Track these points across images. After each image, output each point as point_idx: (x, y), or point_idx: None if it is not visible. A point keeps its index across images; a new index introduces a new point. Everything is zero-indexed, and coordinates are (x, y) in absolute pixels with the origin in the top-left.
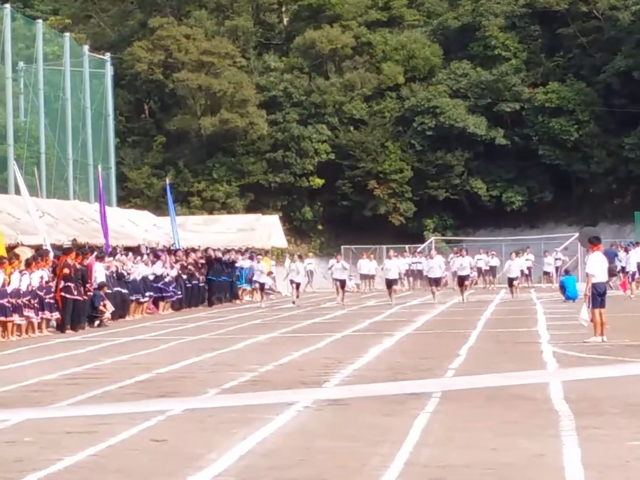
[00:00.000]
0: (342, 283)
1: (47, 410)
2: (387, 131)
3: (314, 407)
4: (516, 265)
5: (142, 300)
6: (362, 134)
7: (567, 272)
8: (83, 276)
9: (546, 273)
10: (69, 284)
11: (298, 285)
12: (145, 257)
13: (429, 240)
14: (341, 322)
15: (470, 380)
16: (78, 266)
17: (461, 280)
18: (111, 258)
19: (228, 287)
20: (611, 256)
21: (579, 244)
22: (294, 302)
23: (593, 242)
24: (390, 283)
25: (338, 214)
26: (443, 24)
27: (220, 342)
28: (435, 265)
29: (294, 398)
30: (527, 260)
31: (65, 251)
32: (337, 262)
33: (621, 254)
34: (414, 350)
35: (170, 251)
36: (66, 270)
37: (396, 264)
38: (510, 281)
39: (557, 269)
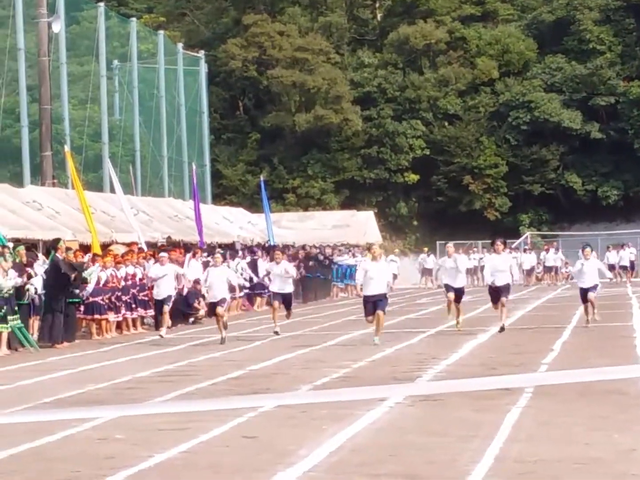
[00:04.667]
0: (285, 298)
1: (140, 407)
2: (481, 126)
3: (406, 402)
4: (592, 268)
5: (236, 296)
6: (457, 129)
7: None
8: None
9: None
10: None
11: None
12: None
13: (525, 235)
14: (435, 318)
15: (562, 375)
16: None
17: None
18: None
19: (323, 283)
20: None
21: None
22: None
23: None
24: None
25: (433, 209)
26: (537, 18)
27: (314, 339)
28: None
29: (386, 394)
30: (631, 253)
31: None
32: (277, 264)
33: None
34: (507, 345)
35: (265, 248)
36: None
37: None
38: (584, 293)
39: (632, 263)
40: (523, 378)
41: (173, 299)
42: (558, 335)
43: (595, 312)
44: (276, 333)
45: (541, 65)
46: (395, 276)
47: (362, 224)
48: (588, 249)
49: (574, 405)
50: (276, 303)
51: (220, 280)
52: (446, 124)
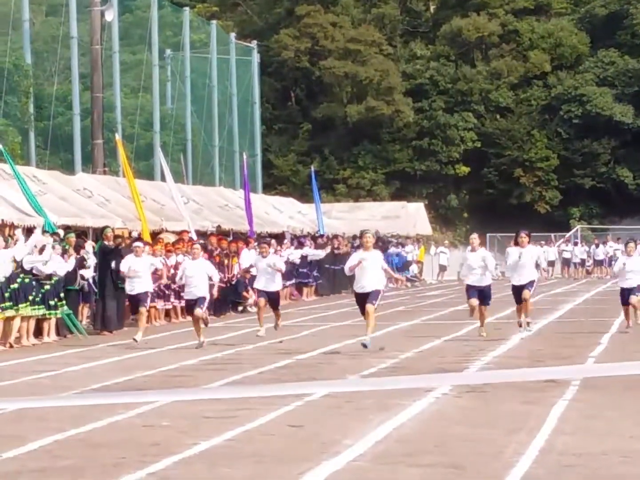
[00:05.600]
0: (270, 297)
1: (186, 394)
2: (533, 119)
3: (452, 394)
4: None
5: (286, 285)
6: (508, 122)
7: None
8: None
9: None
10: None
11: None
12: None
13: (575, 229)
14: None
15: (609, 367)
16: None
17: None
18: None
19: None
20: None
21: None
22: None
23: None
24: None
25: (483, 202)
26: (590, 11)
27: (362, 329)
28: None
29: (432, 384)
30: None
31: (206, 237)
32: (263, 255)
33: None
34: (555, 338)
35: (315, 237)
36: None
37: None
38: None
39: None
40: (569, 370)
41: (150, 296)
42: (606, 329)
43: (638, 315)
44: (258, 337)
45: (594, 59)
46: (444, 268)
47: (412, 215)
48: (632, 245)
49: (620, 398)
50: (262, 301)
51: (198, 275)
52: (498, 116)
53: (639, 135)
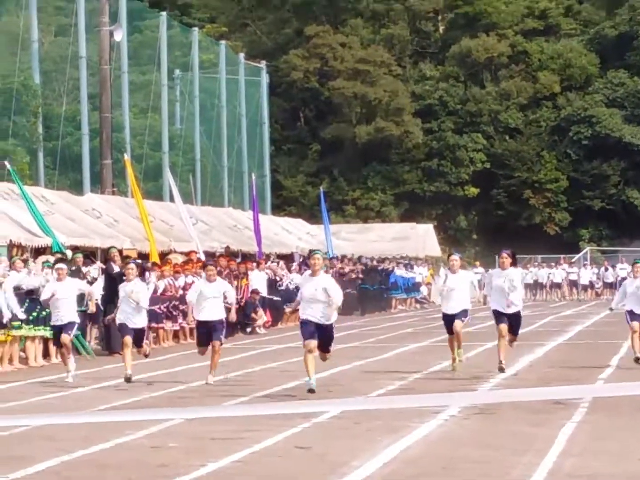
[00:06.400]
0: (210, 328)
1: (192, 413)
2: (542, 140)
3: (460, 415)
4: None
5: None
6: (518, 143)
7: None
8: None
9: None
10: None
11: None
12: (296, 265)
13: (584, 251)
14: (492, 332)
15: (618, 387)
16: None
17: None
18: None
19: (381, 295)
20: None
21: None
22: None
23: None
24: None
25: (493, 223)
26: (600, 32)
27: (371, 351)
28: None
29: (442, 404)
30: None
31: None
32: (210, 279)
33: None
34: (564, 360)
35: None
36: None
37: None
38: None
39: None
40: (578, 389)
41: (76, 327)
42: (616, 351)
43: None
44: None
45: (603, 80)
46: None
47: (422, 236)
48: (639, 265)
49: (630, 420)
50: (202, 349)
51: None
52: (507, 137)
53: None
